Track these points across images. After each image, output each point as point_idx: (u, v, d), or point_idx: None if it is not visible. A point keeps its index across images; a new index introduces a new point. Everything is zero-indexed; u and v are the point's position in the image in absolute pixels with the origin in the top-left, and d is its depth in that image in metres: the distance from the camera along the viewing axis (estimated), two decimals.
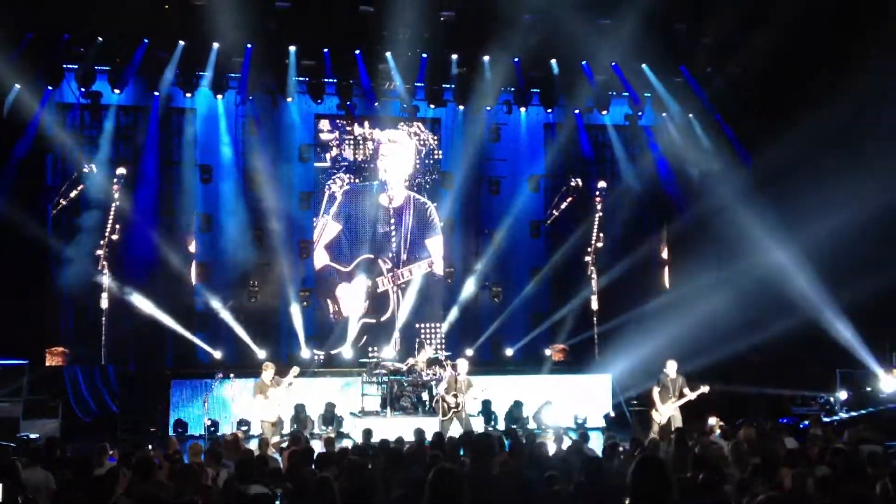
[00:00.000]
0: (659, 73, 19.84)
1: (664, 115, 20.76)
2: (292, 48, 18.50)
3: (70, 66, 17.90)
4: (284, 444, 12.16)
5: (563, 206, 20.47)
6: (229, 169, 19.30)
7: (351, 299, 19.67)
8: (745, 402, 18.26)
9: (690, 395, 14.94)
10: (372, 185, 20.05)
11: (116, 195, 18.22)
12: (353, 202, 20.01)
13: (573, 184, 20.38)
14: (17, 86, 17.39)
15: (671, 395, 15.00)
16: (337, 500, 6.03)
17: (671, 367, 15.35)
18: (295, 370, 14.94)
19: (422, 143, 20.37)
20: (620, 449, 10.23)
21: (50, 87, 17.98)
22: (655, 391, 15.28)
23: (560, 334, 20.29)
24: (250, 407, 15.21)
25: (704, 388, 14.99)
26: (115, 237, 18.05)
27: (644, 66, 19.68)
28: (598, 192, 20.33)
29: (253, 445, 11.93)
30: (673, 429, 14.59)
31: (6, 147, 17.65)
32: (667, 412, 14.94)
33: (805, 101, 17.05)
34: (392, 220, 20.00)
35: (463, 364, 15.67)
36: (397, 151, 20.21)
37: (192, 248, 18.83)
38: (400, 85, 19.34)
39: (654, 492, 5.15)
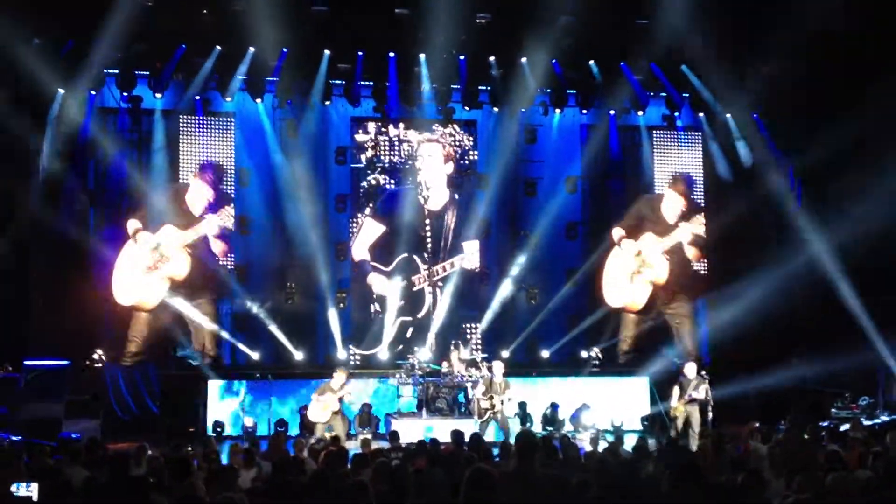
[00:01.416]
0: (697, 73, 19.71)
1: (701, 115, 20.63)
2: (327, 52, 18.62)
3: (110, 70, 18.15)
4: (318, 446, 12.25)
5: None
6: (267, 172, 19.44)
7: (388, 294, 19.67)
8: (785, 404, 18.08)
9: (695, 395, 15.06)
10: (409, 187, 20.05)
11: (156, 196, 18.52)
12: (388, 203, 20.04)
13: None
14: (62, 91, 17.72)
15: (685, 394, 15.27)
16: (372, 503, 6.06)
17: (690, 369, 15.49)
18: (349, 387, 15.16)
19: (457, 143, 20.36)
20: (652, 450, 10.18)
21: (93, 93, 18.27)
22: (675, 392, 15.47)
23: (597, 337, 20.16)
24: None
25: (703, 390, 15.17)
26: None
27: (683, 66, 19.57)
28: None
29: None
30: (693, 428, 14.73)
31: (56, 152, 17.94)
32: (682, 411, 15.21)
33: (846, 102, 16.86)
34: (428, 222, 19.99)
35: (499, 366, 15.70)
36: (434, 153, 20.20)
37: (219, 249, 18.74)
38: (435, 87, 19.40)
39: (690, 494, 5.14)
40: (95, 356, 17.86)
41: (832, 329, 18.18)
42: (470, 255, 19.99)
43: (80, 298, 18.04)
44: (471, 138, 20.47)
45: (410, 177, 20.09)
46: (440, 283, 19.86)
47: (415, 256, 19.85)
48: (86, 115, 18.36)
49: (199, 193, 18.00)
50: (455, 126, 20.30)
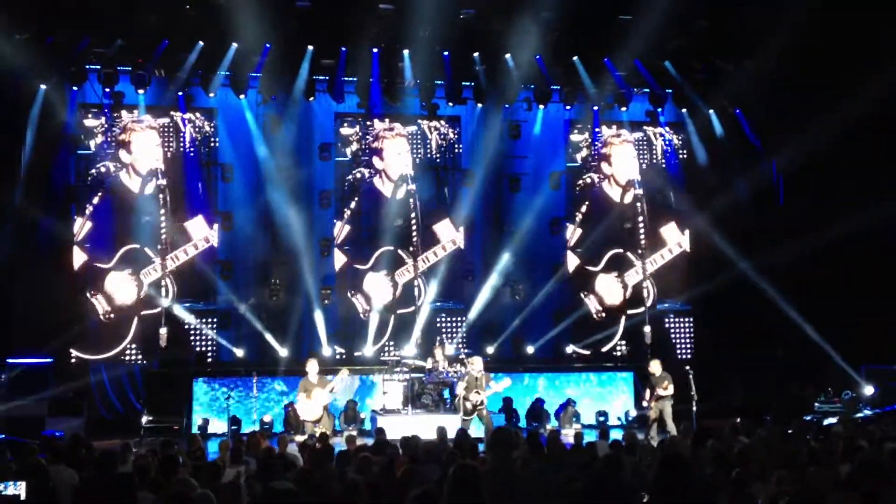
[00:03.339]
0: (680, 69, 19.77)
1: (684, 111, 20.72)
2: (311, 47, 18.56)
3: (92, 66, 18.04)
4: (310, 441, 12.25)
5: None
6: (250, 167, 19.38)
7: (376, 292, 19.66)
8: (768, 399, 18.22)
9: (661, 393, 15.23)
10: (388, 180, 20.00)
11: (138, 193, 18.54)
12: (372, 197, 20.00)
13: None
14: (43, 86, 17.64)
15: (655, 392, 15.45)
16: (363, 499, 6.06)
17: (654, 366, 15.63)
18: (344, 372, 15.02)
19: (442, 136, 20.35)
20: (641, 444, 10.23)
21: (75, 88, 18.18)
22: (647, 390, 15.78)
23: (582, 332, 20.30)
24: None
25: (668, 386, 15.35)
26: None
27: (666, 62, 19.63)
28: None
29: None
30: (667, 422, 14.90)
31: (36, 147, 17.83)
32: (654, 408, 15.38)
33: (827, 97, 16.96)
34: (413, 216, 19.92)
35: (478, 361, 15.68)
36: (408, 146, 20.12)
37: (205, 242, 18.84)
38: (419, 83, 19.39)
39: (675, 489, 5.16)
40: (73, 354, 17.83)
41: (815, 323, 18.35)
42: (444, 241, 19.99)
43: (63, 296, 17.99)
44: (456, 132, 20.45)
45: (391, 169, 20.01)
46: (424, 277, 19.83)
47: (399, 250, 19.82)
48: (68, 110, 18.27)
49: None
50: (439, 121, 20.27)
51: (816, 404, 17.56)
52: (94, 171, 18.57)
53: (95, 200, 18.48)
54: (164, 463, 7.97)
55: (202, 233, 18.92)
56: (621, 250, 20.67)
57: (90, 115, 18.65)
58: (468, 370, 15.70)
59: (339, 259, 19.68)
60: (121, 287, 18.45)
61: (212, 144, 19.45)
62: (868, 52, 16.29)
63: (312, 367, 14.71)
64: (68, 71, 17.76)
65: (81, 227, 18.34)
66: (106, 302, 18.38)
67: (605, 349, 20.35)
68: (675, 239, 20.84)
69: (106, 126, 18.70)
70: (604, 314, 20.53)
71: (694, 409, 15.47)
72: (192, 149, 19.23)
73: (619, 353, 20.45)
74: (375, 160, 20.00)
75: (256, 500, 6.59)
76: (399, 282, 19.79)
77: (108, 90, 18.22)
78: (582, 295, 20.48)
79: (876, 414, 16.60)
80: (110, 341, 18.32)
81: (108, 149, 18.66)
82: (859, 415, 16.76)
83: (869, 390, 17.64)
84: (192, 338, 18.95)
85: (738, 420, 13.99)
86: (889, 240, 17.68)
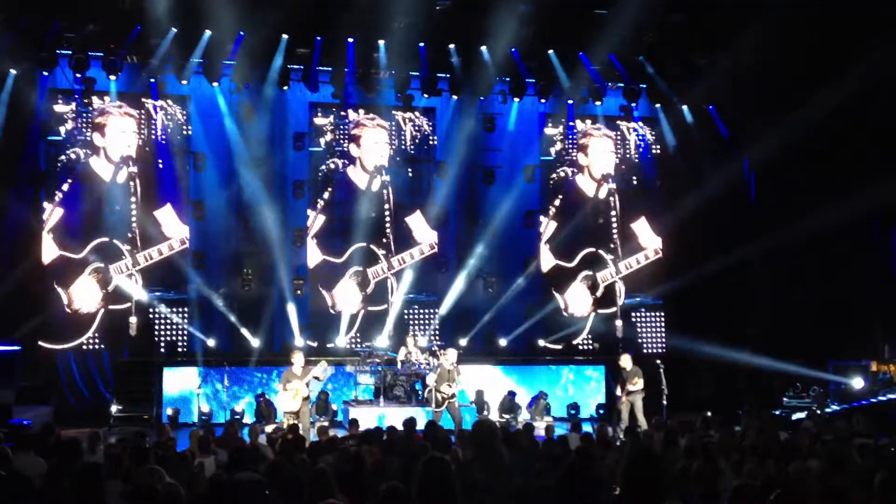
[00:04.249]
0: (654, 64, 19.84)
1: (658, 106, 20.80)
2: (285, 36, 18.43)
3: (63, 52, 17.80)
4: (271, 431, 12.22)
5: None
6: (223, 156, 19.21)
7: (347, 293, 19.59)
8: (738, 394, 18.37)
9: (631, 388, 15.36)
10: (363, 170, 19.92)
11: (109, 181, 18.36)
12: (344, 189, 19.91)
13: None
14: (14, 71, 17.39)
15: (626, 386, 15.57)
16: (334, 491, 6.02)
17: (626, 361, 15.75)
18: (323, 363, 14.92)
19: (416, 128, 20.30)
20: (612, 438, 10.27)
21: (45, 73, 17.93)
22: (617, 384, 15.90)
23: (555, 326, 20.37)
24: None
25: (638, 381, 15.48)
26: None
27: (640, 57, 19.69)
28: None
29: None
30: (637, 416, 15.02)
31: (6, 132, 17.59)
32: (625, 402, 15.49)
33: (799, 94, 17.10)
34: (386, 206, 19.88)
35: (452, 353, 15.69)
36: (386, 138, 20.09)
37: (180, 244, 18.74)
38: (395, 74, 19.32)
39: (645, 482, 5.17)
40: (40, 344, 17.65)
41: (785, 319, 18.52)
42: (421, 238, 19.96)
43: (31, 284, 17.77)
44: (430, 124, 20.40)
45: (364, 161, 19.94)
46: (397, 273, 19.83)
47: (371, 245, 19.76)
48: (38, 96, 18.02)
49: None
50: (414, 113, 20.21)
51: (785, 399, 17.75)
52: (63, 157, 18.33)
53: (65, 187, 18.25)
54: (134, 453, 7.89)
55: (173, 224, 18.73)
56: (594, 249, 20.74)
57: (60, 101, 18.40)
58: (440, 362, 15.69)
59: (313, 251, 19.58)
60: (87, 290, 18.18)
61: (184, 132, 19.25)
62: (841, 49, 16.43)
63: (298, 359, 14.61)
64: (39, 56, 17.47)
65: (51, 213, 18.10)
66: (70, 298, 18.13)
67: (575, 342, 20.46)
68: (648, 237, 20.94)
69: (76, 112, 18.47)
70: (573, 313, 20.64)
71: (664, 402, 15.57)
72: (164, 136, 19.04)
73: (590, 347, 20.53)
74: (352, 147, 19.91)
75: (223, 490, 6.53)
76: (372, 280, 19.73)
77: (79, 76, 17.96)
78: (553, 291, 20.55)
79: (845, 409, 16.80)
80: (76, 332, 18.10)
81: (80, 135, 18.43)
82: (828, 410, 16.95)
83: (859, 383, 17.83)
84: (162, 327, 18.78)
85: (709, 414, 14.12)
86: (858, 236, 17.89)
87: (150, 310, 18.52)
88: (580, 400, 19.18)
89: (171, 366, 17.96)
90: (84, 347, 18.09)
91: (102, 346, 18.27)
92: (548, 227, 20.71)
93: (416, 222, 20.03)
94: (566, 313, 20.58)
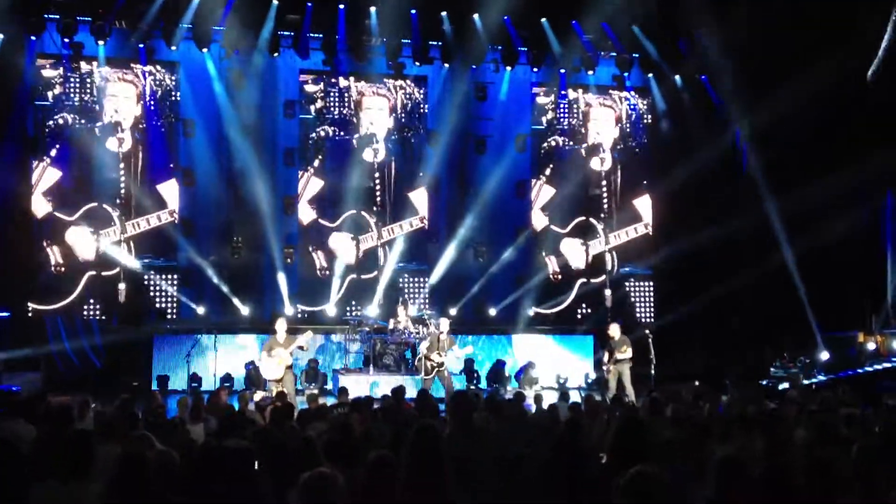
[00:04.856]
0: (648, 34, 19.76)
1: (650, 75, 20.74)
2: (276, 1, 18.27)
3: (51, 16, 17.59)
4: (259, 399, 12.25)
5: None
6: (213, 123, 19.08)
7: (342, 252, 19.58)
8: (725, 365, 18.47)
9: (619, 356, 15.37)
10: (356, 140, 19.86)
11: (99, 148, 18.24)
12: (337, 156, 19.84)
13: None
14: (1, 36, 17.20)
15: (614, 355, 15.56)
16: (321, 459, 6.05)
17: (614, 330, 15.76)
18: (308, 334, 14.90)
19: (407, 97, 20.21)
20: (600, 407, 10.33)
21: (33, 38, 17.74)
22: (605, 353, 15.84)
23: (544, 295, 20.42)
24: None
25: (626, 350, 15.46)
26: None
27: (634, 27, 19.60)
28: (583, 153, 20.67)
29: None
30: (625, 386, 15.09)
31: None
32: (613, 371, 15.48)
33: (793, 65, 17.04)
34: (377, 175, 19.87)
35: (445, 323, 15.75)
36: (382, 105, 20.03)
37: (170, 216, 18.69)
38: (386, 41, 19.19)
39: (632, 451, 5.22)
40: (30, 307, 17.61)
41: (772, 291, 18.58)
42: (419, 211, 19.98)
43: (19, 249, 17.70)
44: (421, 91, 20.31)
45: (358, 129, 19.89)
46: (389, 242, 19.83)
47: (363, 213, 19.73)
48: (26, 60, 17.84)
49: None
50: (405, 81, 20.11)
51: (772, 369, 17.86)
52: (51, 122, 18.20)
53: (53, 153, 18.14)
54: (124, 419, 7.91)
55: (170, 196, 18.68)
56: (586, 218, 20.77)
57: (48, 66, 18.24)
58: (431, 330, 15.72)
59: (305, 214, 19.53)
60: (80, 241, 18.17)
61: (173, 98, 19.11)
62: (835, 22, 16.37)
63: (281, 326, 14.56)
64: (27, 20, 17.29)
65: (40, 177, 17.98)
66: (60, 254, 18.08)
67: (558, 309, 20.47)
68: (640, 207, 20.96)
69: (64, 77, 18.31)
70: (560, 276, 20.63)
71: (652, 372, 15.65)
72: (152, 103, 18.90)
73: (579, 317, 20.59)
74: (349, 114, 19.82)
75: (214, 457, 6.55)
76: (362, 247, 19.72)
77: (66, 41, 17.79)
78: (544, 254, 20.56)
79: (830, 380, 16.92)
80: (65, 293, 18.06)
81: (68, 100, 18.28)
82: (814, 380, 17.08)
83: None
84: (152, 294, 18.76)
85: (696, 384, 14.20)
86: (848, 206, 17.90)
87: (140, 277, 18.48)
88: (569, 369, 19.27)
89: (160, 333, 17.96)
90: (73, 313, 18.05)
91: (92, 313, 18.27)
92: (541, 192, 20.69)
93: (410, 194, 19.99)
94: (556, 278, 20.58)
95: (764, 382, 17.06)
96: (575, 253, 20.77)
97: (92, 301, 18.28)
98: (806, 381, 16.62)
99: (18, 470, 5.17)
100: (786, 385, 16.18)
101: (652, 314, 20.98)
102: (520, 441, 7.37)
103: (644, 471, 3.91)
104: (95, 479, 5.49)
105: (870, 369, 17.10)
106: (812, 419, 8.71)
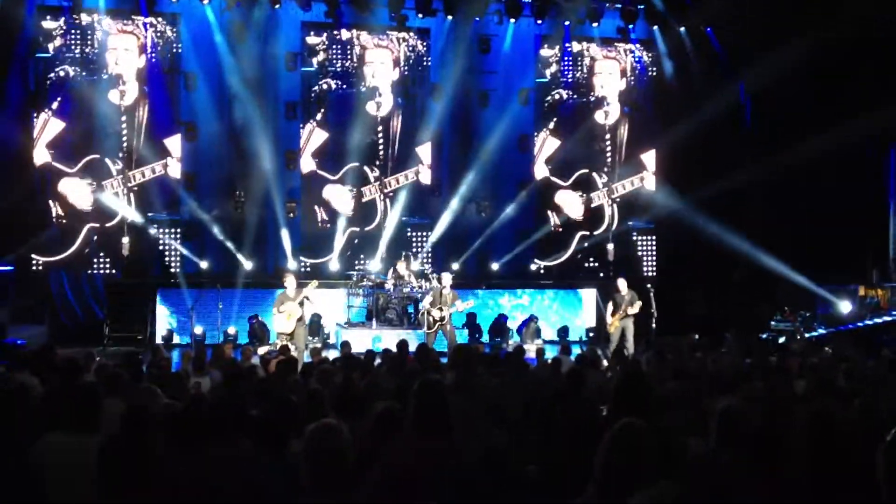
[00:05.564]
0: None
1: (655, 28, 20.55)
2: None
3: None
4: (264, 353, 12.34)
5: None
6: (214, 76, 18.95)
7: (338, 203, 19.54)
8: (726, 318, 18.53)
9: (630, 311, 15.37)
10: (359, 92, 19.74)
11: (101, 100, 18.15)
12: (339, 109, 19.72)
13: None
14: None
15: (620, 310, 15.51)
16: (327, 411, 6.10)
17: (622, 285, 15.77)
18: (314, 283, 14.95)
19: (410, 49, 20.04)
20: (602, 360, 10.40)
21: None
22: (609, 307, 15.82)
23: (547, 247, 20.45)
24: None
25: (637, 305, 15.43)
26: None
27: None
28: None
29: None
30: (628, 340, 15.16)
31: None
32: (617, 326, 15.48)
33: (799, 19, 16.89)
34: (380, 128, 19.79)
35: (447, 277, 15.80)
36: (384, 58, 19.87)
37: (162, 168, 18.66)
38: None
39: (634, 403, 5.26)
40: (34, 259, 17.66)
41: (774, 245, 18.60)
42: (423, 166, 19.91)
43: (21, 202, 17.68)
44: (424, 44, 20.14)
45: (359, 82, 19.77)
46: (391, 195, 19.81)
47: (365, 167, 19.67)
48: (26, 12, 17.69)
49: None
50: (408, 33, 19.94)
51: (772, 322, 17.94)
52: (52, 74, 18.10)
53: (55, 105, 18.06)
54: (128, 372, 7.97)
55: (176, 151, 18.66)
56: (588, 170, 20.70)
57: (49, 18, 18.09)
58: (434, 285, 15.77)
59: (307, 166, 19.48)
60: (76, 191, 18.15)
61: (174, 51, 18.97)
62: None
63: (290, 282, 14.62)
64: None
65: (42, 129, 17.94)
66: (60, 206, 18.09)
67: (560, 261, 20.46)
68: (645, 160, 20.87)
69: (65, 29, 18.17)
70: (561, 229, 20.58)
71: (653, 325, 15.72)
72: (153, 55, 18.77)
73: (582, 274, 20.61)
74: (350, 66, 19.69)
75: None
76: (363, 199, 19.70)
77: None
78: (547, 208, 20.53)
79: (830, 333, 17.00)
80: (66, 246, 18.10)
81: (69, 52, 18.16)
82: (814, 334, 17.16)
83: (846, 307, 18.00)
84: (155, 248, 18.78)
85: (697, 337, 14.27)
86: (852, 161, 17.87)
87: (143, 230, 18.49)
88: (571, 323, 19.37)
89: (163, 286, 18.03)
90: (76, 266, 18.10)
91: (95, 267, 18.32)
92: (545, 145, 20.60)
93: (412, 147, 19.92)
94: (557, 227, 20.53)
95: (764, 335, 17.14)
96: (572, 205, 20.67)
97: (98, 255, 18.30)
98: (806, 335, 16.69)
99: (26, 420, 5.23)
100: (784, 339, 16.27)
101: (654, 268, 20.99)
102: (522, 394, 7.44)
103: (631, 423, 3.93)
104: (102, 432, 5.55)
105: (870, 323, 17.16)
106: (812, 372, 8.77)
